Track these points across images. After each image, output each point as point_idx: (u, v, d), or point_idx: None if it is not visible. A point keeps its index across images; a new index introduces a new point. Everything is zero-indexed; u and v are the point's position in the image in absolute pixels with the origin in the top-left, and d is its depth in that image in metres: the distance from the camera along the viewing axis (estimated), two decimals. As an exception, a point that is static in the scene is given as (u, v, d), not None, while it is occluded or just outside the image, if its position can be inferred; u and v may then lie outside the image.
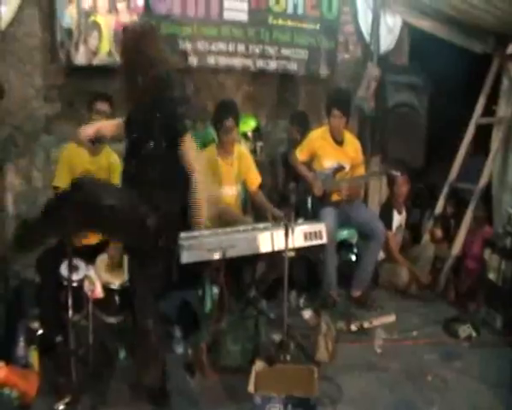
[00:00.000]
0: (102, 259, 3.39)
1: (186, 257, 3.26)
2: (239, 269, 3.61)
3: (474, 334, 3.68)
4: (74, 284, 3.02)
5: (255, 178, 3.95)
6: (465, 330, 3.65)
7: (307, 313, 3.86)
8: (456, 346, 3.61)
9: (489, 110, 4.94)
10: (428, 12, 4.85)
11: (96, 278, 3.24)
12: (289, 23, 4.95)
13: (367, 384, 3.15)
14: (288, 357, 3.18)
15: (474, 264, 4.29)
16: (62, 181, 3.46)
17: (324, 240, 3.47)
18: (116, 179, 3.44)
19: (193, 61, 4.60)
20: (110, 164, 3.57)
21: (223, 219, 3.70)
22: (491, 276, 3.96)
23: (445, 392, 3.09)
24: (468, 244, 4.43)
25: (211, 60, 4.68)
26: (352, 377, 3.19)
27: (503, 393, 3.16)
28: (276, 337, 3.42)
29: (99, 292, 3.22)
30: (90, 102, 3.54)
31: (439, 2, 4.55)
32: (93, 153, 3.52)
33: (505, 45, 4.83)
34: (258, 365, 3.00)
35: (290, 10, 4.94)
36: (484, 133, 4.87)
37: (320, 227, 3.47)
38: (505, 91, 4.88)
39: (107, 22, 4.19)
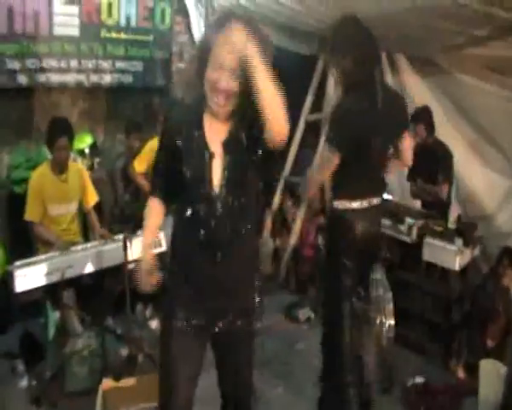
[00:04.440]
0: None
1: (21, 285, 3.16)
2: (82, 288, 3.53)
3: (313, 316, 3.93)
4: None
5: (90, 196, 3.89)
6: (305, 313, 3.88)
7: (154, 323, 3.87)
8: (297, 329, 3.83)
9: (318, 106, 5.27)
10: (256, 18, 5.08)
11: None
12: (123, 36, 4.91)
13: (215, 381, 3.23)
14: (137, 369, 3.19)
15: (311, 251, 4.57)
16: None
17: (164, 247, 3.52)
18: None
19: (23, 80, 4.41)
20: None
21: None
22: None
23: (290, 374, 3.29)
24: (304, 234, 4.70)
25: (42, 78, 4.51)
26: (208, 377, 3.25)
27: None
28: (125, 352, 3.41)
29: None
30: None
31: (263, 8, 4.79)
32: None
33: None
34: (105, 383, 2.97)
35: (123, 23, 4.89)
36: (312, 128, 5.20)
37: (159, 236, 3.51)
38: (331, 88, 5.26)
39: None
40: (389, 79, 4.93)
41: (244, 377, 2.22)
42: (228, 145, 1.92)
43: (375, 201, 2.81)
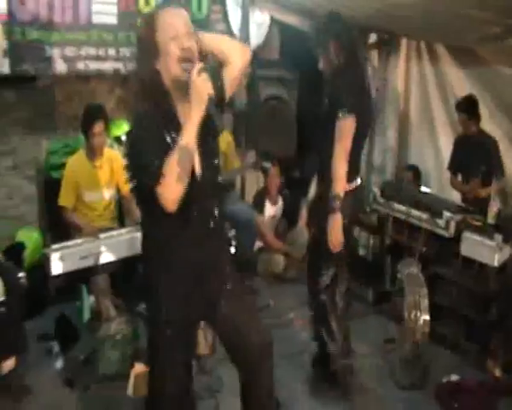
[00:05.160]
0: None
1: (56, 268, 3.21)
2: (116, 274, 3.57)
3: (345, 307, 3.89)
4: None
5: (125, 182, 3.89)
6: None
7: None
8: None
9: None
10: (293, 8, 5.03)
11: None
12: (160, 24, 4.93)
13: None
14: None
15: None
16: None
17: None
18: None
19: (62, 67, 4.47)
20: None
21: None
22: (362, 252, 4.21)
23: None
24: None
25: (80, 65, 4.56)
26: (232, 368, 3.26)
27: (374, 360, 3.39)
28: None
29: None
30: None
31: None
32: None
33: (367, 36, 5.12)
34: (137, 368, 3.00)
35: (160, 11, 4.93)
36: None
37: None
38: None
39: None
40: (428, 69, 4.83)
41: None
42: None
43: (359, 181, 3.08)
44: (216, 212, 2.03)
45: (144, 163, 1.83)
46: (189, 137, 1.79)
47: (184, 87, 1.88)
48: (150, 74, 1.90)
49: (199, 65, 1.81)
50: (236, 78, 2.05)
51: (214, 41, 2.04)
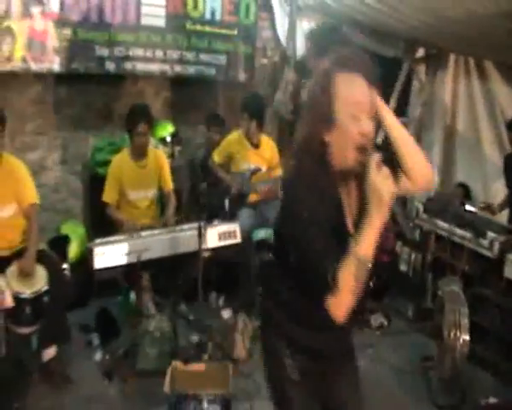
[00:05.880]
0: (13, 268, 3.30)
1: (99, 262, 3.26)
2: (157, 272, 3.61)
3: (385, 323, 3.84)
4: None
5: (168, 182, 3.94)
6: (376, 319, 3.80)
7: (226, 313, 3.88)
8: (369, 335, 3.76)
9: (401, 111, 5.16)
10: (340, 18, 5.02)
11: (6, 286, 3.14)
12: (207, 28, 4.98)
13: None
14: (206, 356, 3.22)
15: (386, 257, 4.45)
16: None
17: (239, 239, 3.53)
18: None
19: (110, 67, 4.56)
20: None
21: None
22: (403, 267, 4.15)
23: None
24: (382, 239, 4.58)
25: (128, 66, 4.64)
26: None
27: (412, 377, 3.34)
28: (195, 338, 3.46)
29: (9, 301, 3.13)
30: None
31: (348, 9, 4.72)
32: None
33: (414, 50, 5.08)
34: (174, 365, 3.02)
35: (208, 16, 4.96)
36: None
37: (234, 227, 3.53)
38: (415, 93, 5.15)
39: (20, 28, 4.08)
40: (476, 86, 4.75)
41: None
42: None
43: None
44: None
45: (311, 260, 1.56)
46: (366, 245, 1.49)
47: (354, 177, 1.62)
48: (316, 146, 1.60)
49: (377, 156, 1.46)
50: (410, 191, 1.73)
51: (397, 133, 1.63)
